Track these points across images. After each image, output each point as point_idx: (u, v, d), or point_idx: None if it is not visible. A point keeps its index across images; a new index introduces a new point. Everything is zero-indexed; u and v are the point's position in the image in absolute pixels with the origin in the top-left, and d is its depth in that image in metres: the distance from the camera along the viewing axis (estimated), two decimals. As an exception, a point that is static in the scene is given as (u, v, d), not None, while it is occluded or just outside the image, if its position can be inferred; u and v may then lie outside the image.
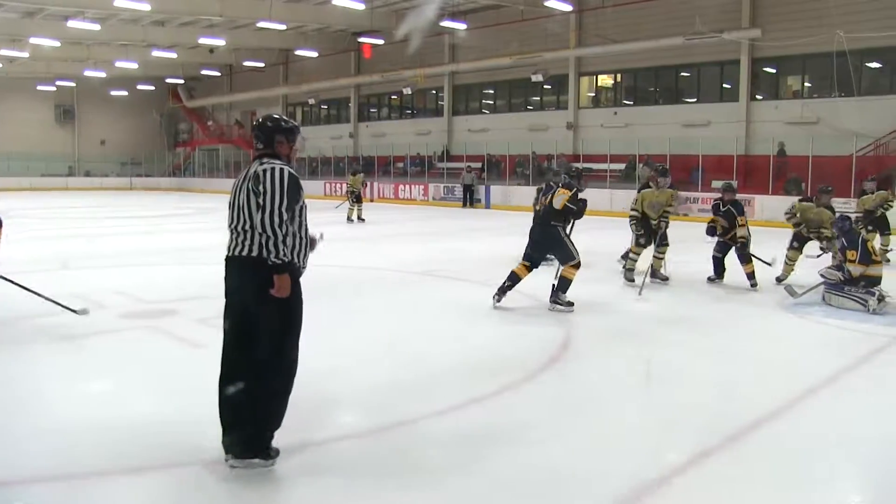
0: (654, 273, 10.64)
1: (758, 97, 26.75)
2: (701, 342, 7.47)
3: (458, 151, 34.41)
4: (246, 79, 47.07)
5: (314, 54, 39.33)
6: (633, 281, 10.44)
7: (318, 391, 5.46)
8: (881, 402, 5.62)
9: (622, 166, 27.95)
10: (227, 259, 4.18)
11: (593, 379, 6.19)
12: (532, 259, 8.79)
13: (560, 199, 8.59)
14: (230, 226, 4.16)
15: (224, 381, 4.18)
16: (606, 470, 4.27)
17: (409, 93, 36.86)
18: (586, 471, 4.27)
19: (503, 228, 19.47)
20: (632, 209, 10.74)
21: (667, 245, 10.72)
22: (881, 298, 8.67)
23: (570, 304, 8.56)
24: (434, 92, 37.73)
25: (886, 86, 24.13)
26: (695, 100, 28.59)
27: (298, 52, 39.87)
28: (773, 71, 26.85)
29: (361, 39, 36.00)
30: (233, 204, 4.15)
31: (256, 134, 4.22)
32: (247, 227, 4.07)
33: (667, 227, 10.66)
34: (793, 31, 24.15)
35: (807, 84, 26.33)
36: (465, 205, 30.23)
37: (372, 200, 33.04)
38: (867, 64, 24.27)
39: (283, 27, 34.77)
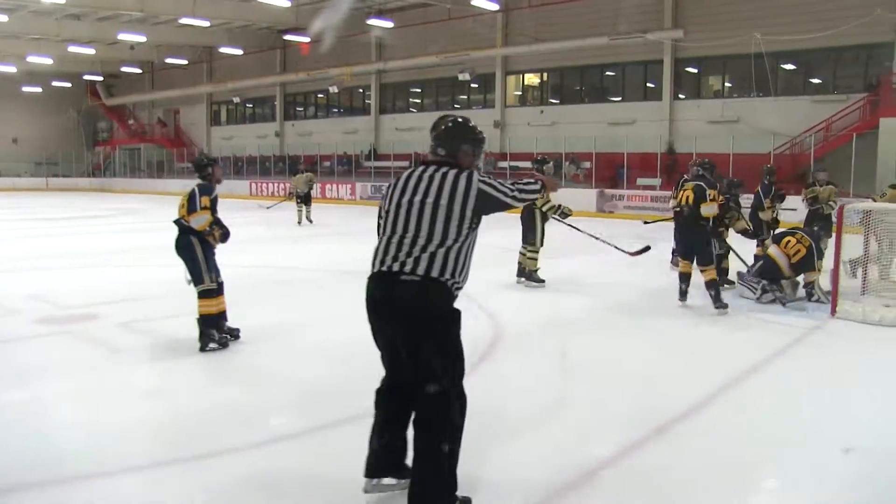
0: (524, 272, 10.45)
1: (680, 96, 27.56)
2: (628, 336, 7.64)
3: (386, 150, 34.53)
4: (168, 76, 46.32)
5: (239, 52, 38.94)
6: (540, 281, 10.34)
7: (258, 392, 5.59)
8: (800, 390, 5.88)
9: (549, 164, 28.37)
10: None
11: (519, 374, 6.21)
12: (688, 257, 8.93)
13: (710, 208, 8.62)
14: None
15: None
16: (535, 464, 4.32)
17: (336, 91, 36.82)
18: (514, 466, 4.29)
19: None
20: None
21: (536, 243, 10.39)
22: (765, 290, 9.08)
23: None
24: (361, 90, 37.70)
25: (800, 87, 25.11)
26: (620, 98, 29.25)
27: (223, 50, 39.40)
28: (695, 71, 27.67)
29: (288, 37, 35.90)
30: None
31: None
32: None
33: (545, 222, 10.40)
34: (713, 33, 24.91)
35: (727, 84, 27.18)
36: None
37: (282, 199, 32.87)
38: (783, 65, 25.21)
39: (207, 24, 34.25)
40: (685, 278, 8.92)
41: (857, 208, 9.18)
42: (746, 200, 10.99)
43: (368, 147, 35.81)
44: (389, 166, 32.05)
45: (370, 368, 3.96)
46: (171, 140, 47.26)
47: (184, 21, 33.03)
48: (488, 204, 3.61)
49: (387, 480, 3.78)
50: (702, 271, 8.65)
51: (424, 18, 32.16)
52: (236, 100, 42.36)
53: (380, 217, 3.79)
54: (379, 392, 3.78)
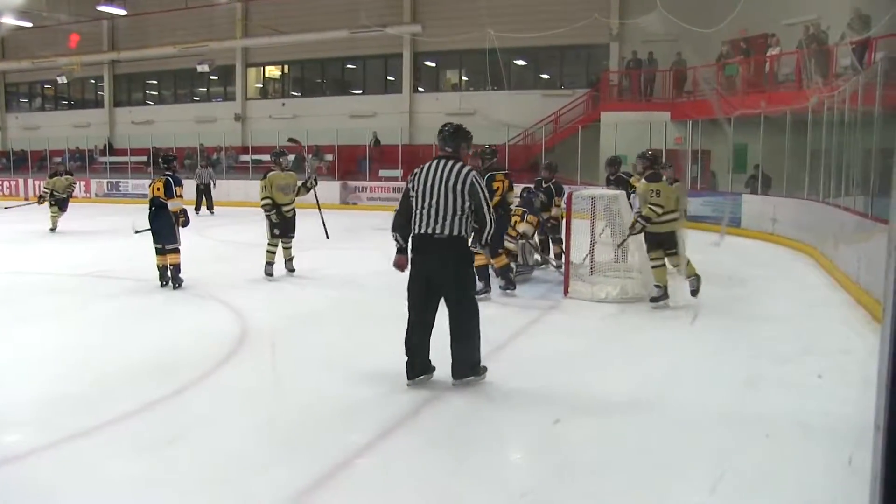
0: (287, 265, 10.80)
1: (420, 89, 28.32)
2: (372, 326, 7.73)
3: (123, 144, 32.82)
4: None
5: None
6: (271, 276, 10.40)
7: None
8: (532, 364, 6.33)
9: (292, 157, 28.14)
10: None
11: (263, 373, 6.20)
12: None
13: None
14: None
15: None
16: (283, 460, 4.35)
17: (65, 82, 34.53)
18: (268, 464, 4.30)
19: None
20: (263, 197, 10.42)
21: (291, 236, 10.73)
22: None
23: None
24: (94, 81, 35.55)
25: (531, 81, 26.66)
26: (361, 91, 29.64)
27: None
28: (434, 65, 28.56)
29: (4, 21, 33.48)
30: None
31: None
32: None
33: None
34: (450, 29, 25.79)
35: (464, 78, 28.26)
36: (198, 209, 22.59)
37: (26, 200, 30.92)
38: (515, 61, 26.55)
39: None
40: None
41: (584, 195, 9.82)
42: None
43: (103, 141, 34.08)
44: (126, 161, 30.65)
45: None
46: None
47: None
48: (473, 195, 5.51)
49: (421, 378, 5.62)
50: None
51: (160, 6, 30.86)
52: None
53: (408, 196, 5.64)
54: (412, 324, 5.60)
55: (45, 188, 17.70)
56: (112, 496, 3.96)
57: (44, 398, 5.45)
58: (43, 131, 35.59)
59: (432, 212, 5.47)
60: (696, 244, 9.64)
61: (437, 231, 5.46)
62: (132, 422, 4.94)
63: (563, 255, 9.79)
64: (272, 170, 10.48)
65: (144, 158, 30.90)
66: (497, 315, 8.07)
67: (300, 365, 6.42)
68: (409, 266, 5.61)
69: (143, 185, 29.13)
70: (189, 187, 16.00)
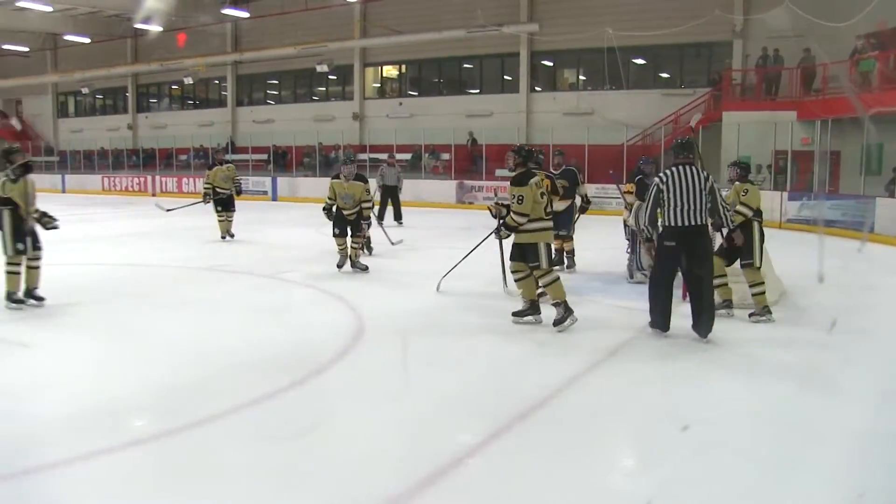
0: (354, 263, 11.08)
1: (537, 89, 28.28)
2: (487, 325, 7.72)
3: (244, 143, 33.92)
4: (8, 64, 43.76)
5: (86, 40, 37.46)
6: (365, 269, 10.96)
7: (100, 394, 5.48)
8: (648, 373, 6.20)
9: (408, 156, 28.35)
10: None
11: (382, 369, 6.31)
12: None
13: None
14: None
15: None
16: (402, 455, 4.46)
17: (191, 82, 35.75)
18: (382, 457, 4.42)
19: (292, 220, 19.72)
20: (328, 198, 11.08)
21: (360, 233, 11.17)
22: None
23: None
24: (217, 81, 36.88)
25: (650, 80, 26.27)
26: (478, 91, 29.78)
27: (68, 38, 37.74)
28: (551, 64, 28.47)
29: (138, 26, 34.94)
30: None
31: None
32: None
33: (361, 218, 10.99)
34: (568, 27, 25.70)
35: (581, 77, 28.06)
36: (382, 218, 16.80)
37: (154, 195, 32.19)
38: (633, 60, 26.22)
39: (50, 9, 32.65)
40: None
41: None
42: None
43: (226, 140, 35.22)
44: (248, 159, 31.59)
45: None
46: (12, 132, 45.01)
47: (22, 4, 31.49)
48: (712, 193, 7.02)
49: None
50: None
51: (282, 8, 31.65)
52: (85, 90, 40.05)
53: (658, 196, 6.98)
54: (664, 294, 7.12)
55: (206, 184, 15.00)
56: (231, 484, 4.09)
57: (169, 385, 5.70)
58: (170, 130, 37.05)
59: (693, 208, 6.83)
60: (830, 250, 9.31)
61: (698, 221, 6.84)
62: (256, 411, 5.14)
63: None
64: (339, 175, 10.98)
65: (265, 157, 31.84)
66: (606, 317, 8.06)
67: (417, 362, 6.56)
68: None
69: (263, 182, 30.03)
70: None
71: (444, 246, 12.75)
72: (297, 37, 31.18)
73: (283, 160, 31.96)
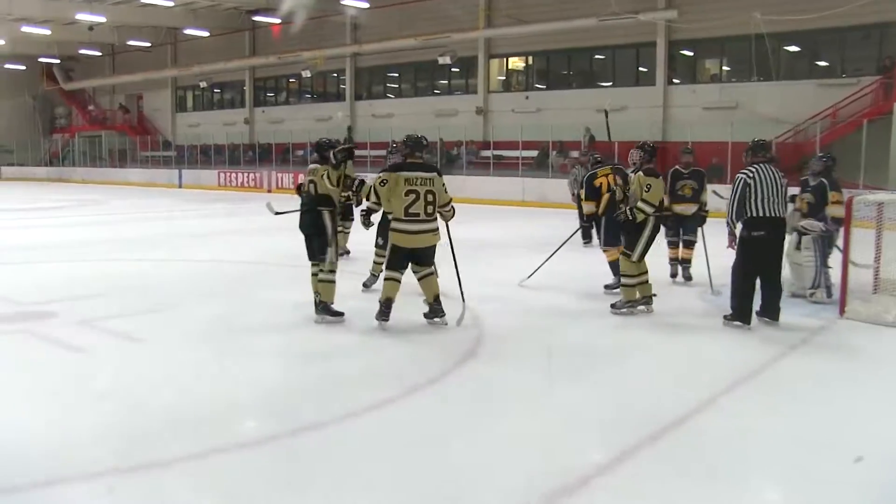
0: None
1: (675, 81, 26.62)
2: (621, 339, 7.48)
3: (362, 138, 33.41)
4: (130, 59, 44.91)
5: (205, 34, 37.84)
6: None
7: (221, 396, 5.51)
8: (805, 395, 5.75)
9: (534, 153, 27.32)
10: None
11: (505, 379, 6.05)
12: None
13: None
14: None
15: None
16: (528, 471, 4.27)
17: (309, 76, 35.66)
18: (506, 472, 4.27)
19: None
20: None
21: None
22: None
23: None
24: (335, 75, 36.57)
25: (805, 70, 24.31)
26: (610, 84, 28.28)
27: (188, 32, 38.25)
28: (691, 54, 26.79)
29: (257, 18, 34.97)
30: None
31: None
32: None
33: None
34: (710, 13, 24.08)
35: (724, 68, 26.29)
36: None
37: (269, 191, 32.12)
38: (785, 48, 24.39)
39: (171, 3, 33.15)
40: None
41: (869, 200, 8.74)
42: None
43: (344, 135, 34.77)
44: (366, 155, 31.02)
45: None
46: (133, 127, 46.10)
47: (146, 0, 31.96)
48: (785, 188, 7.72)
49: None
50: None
51: (402, -1, 31.23)
52: (203, 84, 40.78)
53: (746, 191, 7.42)
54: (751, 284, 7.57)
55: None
56: (342, 491, 4.00)
57: (280, 389, 5.73)
58: (287, 124, 37.03)
59: (777, 201, 7.43)
60: None
61: (781, 213, 7.48)
62: (366, 420, 5.05)
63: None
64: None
65: (384, 152, 31.15)
66: (751, 335, 7.47)
67: (532, 369, 6.37)
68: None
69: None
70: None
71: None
72: (418, 28, 30.58)
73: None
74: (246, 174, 34.76)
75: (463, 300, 7.69)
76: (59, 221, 19.53)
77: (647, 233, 8.17)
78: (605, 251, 9.62)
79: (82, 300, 8.72)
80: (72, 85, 49.59)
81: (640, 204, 8.10)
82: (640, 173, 8.25)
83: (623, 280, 8.31)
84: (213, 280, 10.46)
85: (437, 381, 5.89)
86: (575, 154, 22.38)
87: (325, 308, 7.65)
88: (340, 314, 7.68)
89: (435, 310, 7.59)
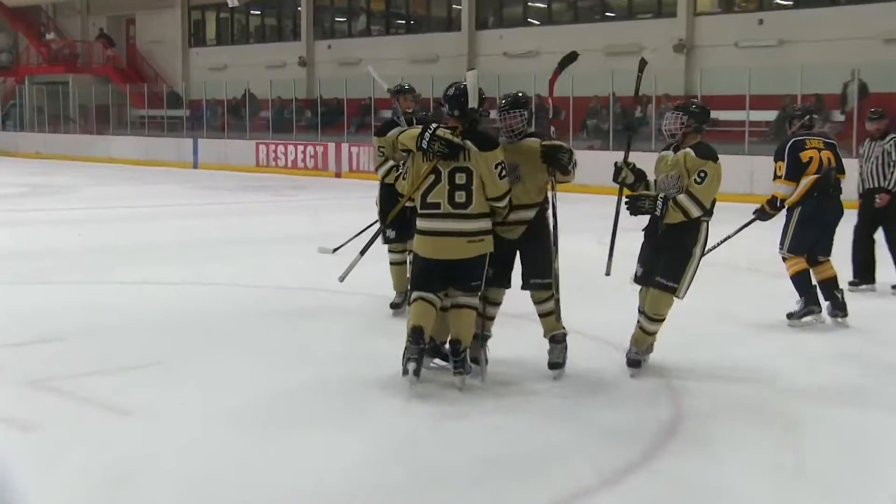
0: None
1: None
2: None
3: (490, 86, 33.57)
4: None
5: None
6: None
7: None
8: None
9: (772, 115, 26.76)
10: None
11: (715, 472, 6.02)
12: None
13: None
14: None
15: None
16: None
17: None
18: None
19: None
20: None
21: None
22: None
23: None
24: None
25: None
26: (895, 0, 27.79)
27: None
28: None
29: None
30: None
31: None
32: None
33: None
34: None
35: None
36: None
37: (338, 175, 32.81)
38: None
39: None
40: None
41: None
42: None
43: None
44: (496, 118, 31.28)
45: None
46: (120, 70, 47.09)
47: None
48: None
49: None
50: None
51: None
52: (234, 4, 39.51)
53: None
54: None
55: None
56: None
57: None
58: (367, 67, 37.15)
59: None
60: None
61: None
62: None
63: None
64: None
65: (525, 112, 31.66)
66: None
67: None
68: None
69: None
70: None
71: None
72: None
73: (547, 115, 30.95)
74: (302, 147, 34.78)
75: (485, 352, 7.69)
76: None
77: (697, 251, 7.83)
78: (785, 259, 9.91)
79: (38, 346, 8.70)
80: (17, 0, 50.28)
81: (681, 198, 7.62)
82: (689, 150, 7.77)
83: (647, 325, 7.96)
84: (247, 317, 10.36)
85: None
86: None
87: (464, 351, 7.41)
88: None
89: (456, 357, 7.33)
